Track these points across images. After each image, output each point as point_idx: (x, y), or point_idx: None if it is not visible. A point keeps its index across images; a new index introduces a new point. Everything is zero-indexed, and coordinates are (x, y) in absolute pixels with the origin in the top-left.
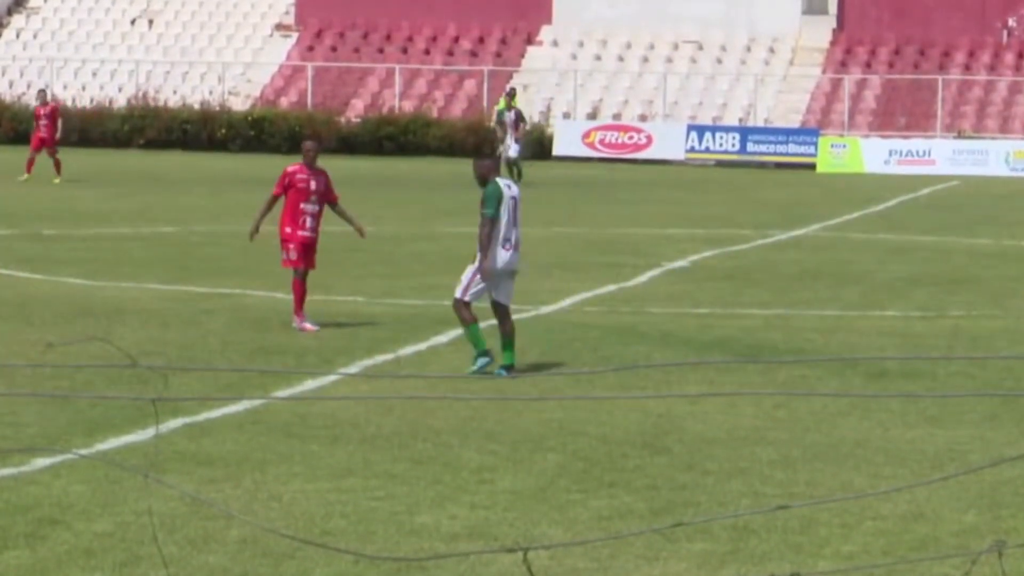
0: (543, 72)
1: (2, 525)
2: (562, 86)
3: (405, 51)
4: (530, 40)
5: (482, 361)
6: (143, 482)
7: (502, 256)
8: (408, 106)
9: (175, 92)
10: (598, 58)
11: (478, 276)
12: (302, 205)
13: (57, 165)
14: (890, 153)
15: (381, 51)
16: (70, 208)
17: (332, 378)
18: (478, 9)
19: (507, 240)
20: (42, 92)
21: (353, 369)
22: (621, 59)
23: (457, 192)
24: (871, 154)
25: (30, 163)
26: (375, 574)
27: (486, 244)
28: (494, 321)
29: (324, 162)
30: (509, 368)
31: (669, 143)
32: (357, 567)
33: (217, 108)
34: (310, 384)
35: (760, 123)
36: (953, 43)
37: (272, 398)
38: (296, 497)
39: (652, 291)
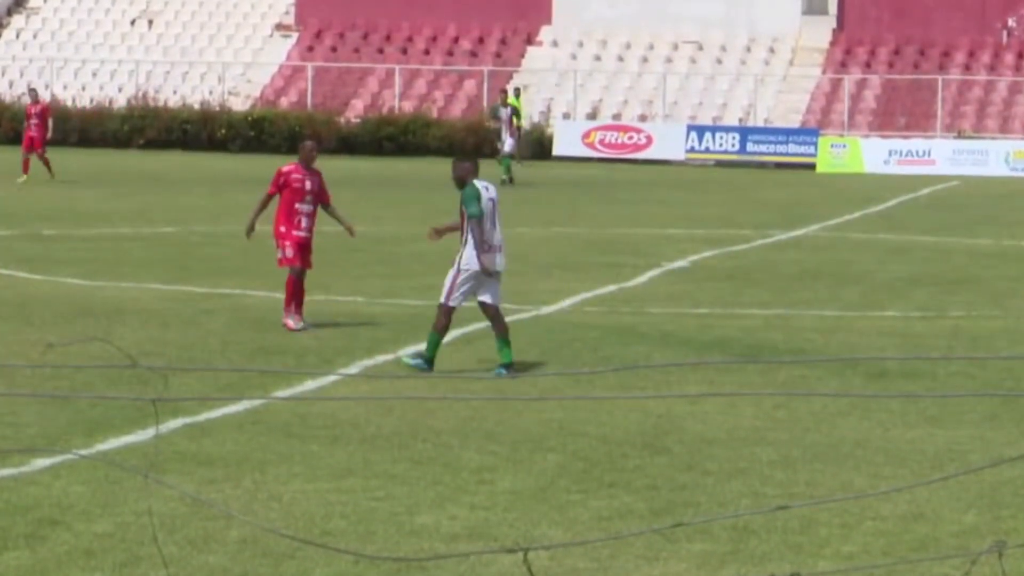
0: (543, 72)
1: (2, 525)
2: (562, 86)
3: (405, 51)
4: (530, 40)
5: (418, 363)
6: (143, 482)
7: (486, 258)
8: (408, 106)
9: (175, 92)
10: (598, 58)
11: (460, 278)
12: (297, 205)
13: (47, 164)
14: (890, 153)
15: (381, 51)
16: (70, 208)
17: (332, 378)
18: (478, 9)
19: (488, 243)
20: (33, 91)
21: (353, 369)
22: (621, 59)
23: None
24: (871, 154)
25: (25, 164)
26: (375, 574)
27: (477, 245)
28: (478, 326)
29: (323, 163)
30: (508, 367)
31: (669, 143)
32: (357, 567)
33: (217, 108)
34: (310, 384)
35: (760, 123)
36: (953, 43)
37: (272, 398)
38: (296, 497)
39: (652, 291)
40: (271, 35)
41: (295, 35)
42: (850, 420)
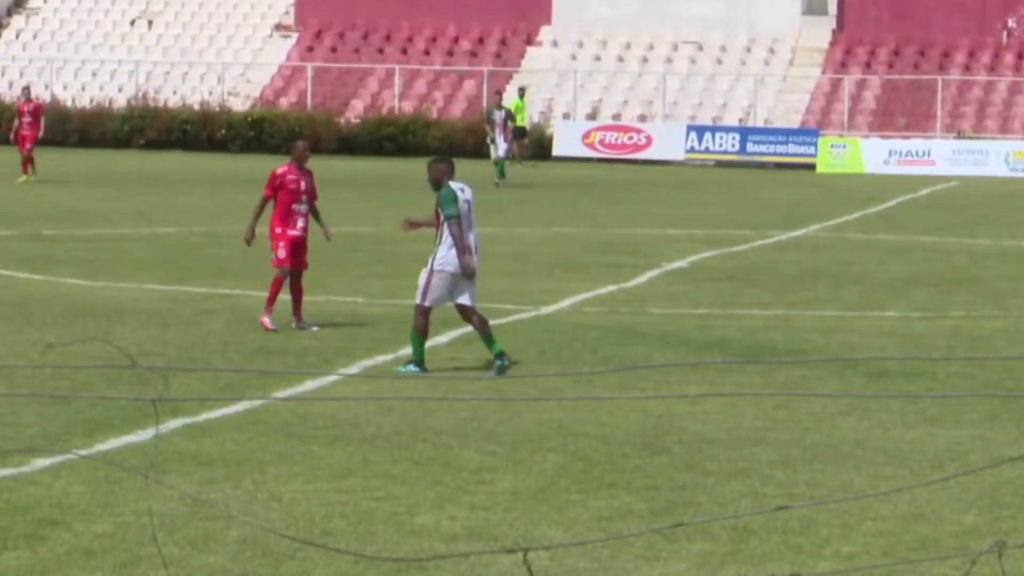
0: (543, 72)
1: (2, 526)
2: (562, 86)
3: (405, 51)
4: (530, 40)
5: (410, 368)
6: (143, 482)
7: (466, 258)
8: (408, 107)
9: (175, 92)
10: (598, 58)
11: (434, 279)
12: (293, 206)
13: (31, 163)
14: (890, 153)
15: (381, 51)
16: (70, 208)
17: (332, 378)
18: (478, 9)
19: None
20: (26, 89)
21: (353, 369)
22: (621, 59)
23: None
24: (871, 154)
25: (23, 164)
26: (375, 574)
27: (460, 248)
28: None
29: (323, 163)
30: (501, 356)
31: (669, 143)
32: (357, 567)
33: (217, 108)
34: (310, 384)
35: (760, 123)
36: (953, 43)
37: (272, 398)
38: (296, 497)
39: (652, 291)
40: (271, 35)
41: (295, 35)
42: (850, 420)
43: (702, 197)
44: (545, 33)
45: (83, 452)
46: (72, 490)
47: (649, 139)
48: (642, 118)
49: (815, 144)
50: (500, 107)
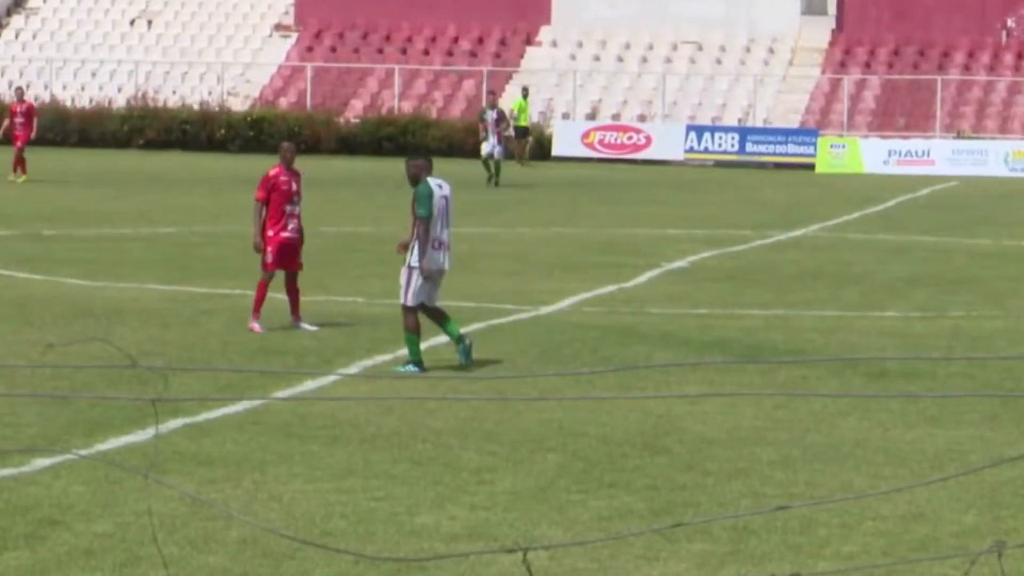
0: (542, 72)
1: (2, 526)
2: (561, 86)
3: (404, 51)
4: (529, 40)
5: (409, 368)
6: (143, 482)
7: (429, 260)
8: (407, 107)
9: (174, 92)
10: (597, 58)
11: (413, 276)
12: (286, 207)
13: (19, 162)
14: (889, 153)
15: (380, 51)
16: (70, 208)
17: (332, 378)
18: (478, 9)
19: (436, 240)
20: (19, 89)
21: (353, 369)
22: (620, 59)
23: (456, 192)
24: (870, 154)
25: (22, 163)
26: (375, 574)
27: (424, 245)
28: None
29: (323, 163)
30: (461, 339)
31: (668, 143)
32: (357, 567)
33: (216, 108)
34: (310, 384)
35: (759, 123)
36: (953, 43)
37: (272, 398)
38: (296, 497)
39: (652, 291)
40: (270, 35)
41: (294, 35)
42: (850, 420)
43: (702, 197)
44: (545, 33)
45: (83, 452)
46: (72, 490)
47: (649, 139)
48: (642, 118)
49: (814, 144)
50: (493, 107)
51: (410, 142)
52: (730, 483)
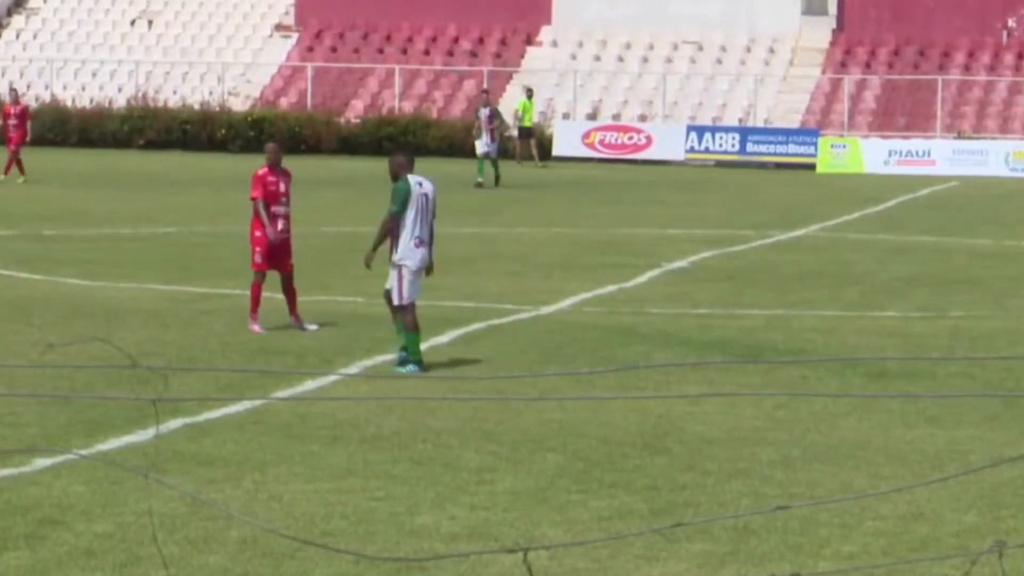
0: (543, 72)
1: (2, 526)
2: (562, 86)
3: (405, 52)
4: (530, 40)
5: (410, 368)
6: (143, 482)
7: (417, 254)
8: (408, 107)
9: (175, 92)
10: (598, 58)
11: (403, 273)
12: (273, 208)
13: (11, 165)
14: (890, 153)
15: (381, 52)
16: (70, 208)
17: (332, 378)
18: (478, 9)
19: (418, 237)
20: (13, 91)
21: (353, 369)
22: (621, 59)
23: (456, 193)
24: (871, 154)
25: (19, 164)
26: (375, 574)
27: (379, 237)
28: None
29: (323, 163)
30: (405, 350)
31: (669, 143)
32: (357, 567)
33: (217, 108)
34: (310, 384)
35: (760, 123)
36: (953, 43)
37: (272, 398)
38: (296, 497)
39: (652, 291)
40: (271, 35)
41: (295, 35)
42: (850, 420)
43: (702, 197)
44: (545, 33)
45: (83, 452)
46: (72, 490)
47: (649, 139)
48: (642, 118)
49: (815, 144)
50: (487, 105)
51: (411, 142)
52: (730, 483)
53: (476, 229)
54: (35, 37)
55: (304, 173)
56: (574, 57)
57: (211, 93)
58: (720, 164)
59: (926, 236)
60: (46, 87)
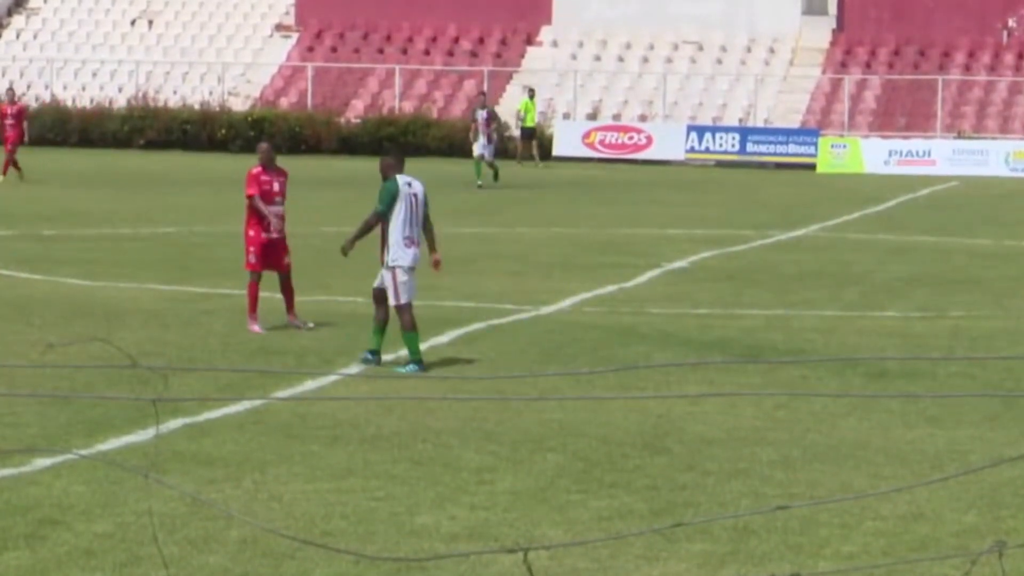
0: (543, 72)
1: (2, 526)
2: (562, 86)
3: (405, 52)
4: (530, 40)
5: (410, 368)
6: (143, 482)
7: (408, 253)
8: (408, 107)
9: (175, 92)
10: (598, 58)
11: (397, 274)
12: (268, 207)
13: (9, 164)
14: (890, 153)
15: (381, 52)
16: (70, 208)
17: (332, 378)
18: (478, 9)
19: (408, 237)
20: (10, 91)
21: (353, 369)
22: (621, 59)
23: (456, 193)
24: (871, 154)
25: (15, 164)
26: (375, 574)
27: (360, 229)
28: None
29: (323, 163)
30: (375, 353)
31: (669, 143)
32: (357, 567)
33: (217, 109)
34: (310, 384)
35: (760, 123)
36: (953, 43)
37: (272, 398)
38: (296, 497)
39: (652, 291)
40: (271, 35)
41: (295, 35)
42: (850, 420)
43: (702, 197)
44: (545, 33)
45: (83, 452)
46: (72, 490)
47: (649, 139)
48: (642, 118)
49: (815, 144)
50: (484, 107)
51: (411, 142)
52: (730, 483)
53: (476, 229)
54: (35, 37)
55: (304, 173)
56: (574, 57)
57: (211, 93)
58: (720, 164)
59: (926, 236)
60: (46, 87)
